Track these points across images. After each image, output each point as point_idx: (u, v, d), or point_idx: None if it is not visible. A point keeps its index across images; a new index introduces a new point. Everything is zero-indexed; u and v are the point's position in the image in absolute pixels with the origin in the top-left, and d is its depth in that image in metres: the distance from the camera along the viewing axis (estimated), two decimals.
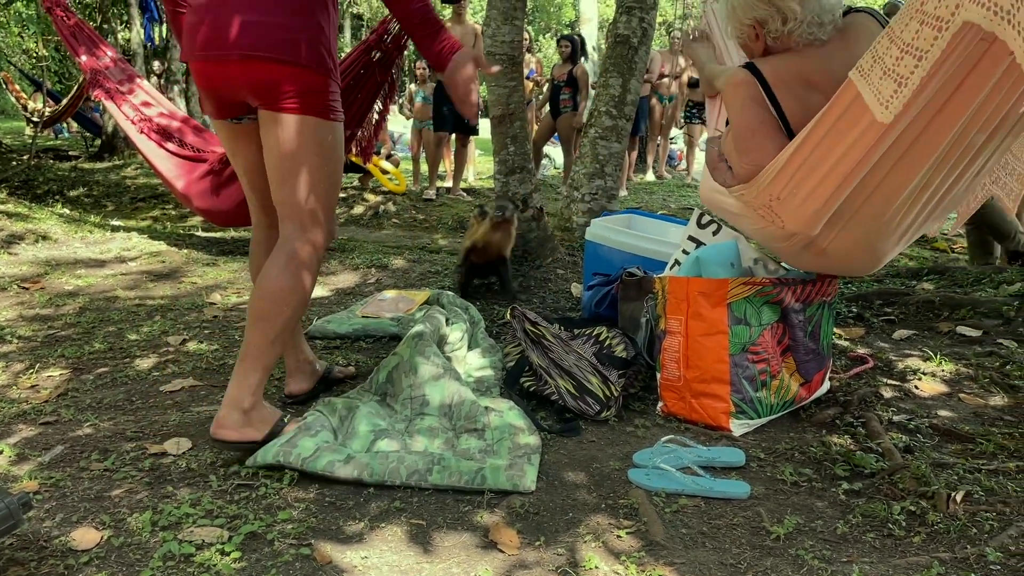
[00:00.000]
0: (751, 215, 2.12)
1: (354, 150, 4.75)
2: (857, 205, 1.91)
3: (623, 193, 7.55)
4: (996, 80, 1.58)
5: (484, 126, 8.19)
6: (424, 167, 8.53)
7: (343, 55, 3.92)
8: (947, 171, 1.85)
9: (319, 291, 3.89)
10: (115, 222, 6.02)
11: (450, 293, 3.41)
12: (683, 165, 11.01)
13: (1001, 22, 1.28)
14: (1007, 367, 2.62)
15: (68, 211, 6.41)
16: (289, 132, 1.94)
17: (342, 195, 7.62)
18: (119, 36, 12.21)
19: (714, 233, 2.61)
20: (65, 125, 14.40)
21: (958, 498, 1.76)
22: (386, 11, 2.76)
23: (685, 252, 2.62)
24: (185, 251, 4.79)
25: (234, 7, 1.88)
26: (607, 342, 2.46)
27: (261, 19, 1.88)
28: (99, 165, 9.68)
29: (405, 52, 3.83)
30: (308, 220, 2.01)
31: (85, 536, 1.63)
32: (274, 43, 1.88)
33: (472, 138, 8.07)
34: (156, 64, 11.54)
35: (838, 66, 1.93)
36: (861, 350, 2.84)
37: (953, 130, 1.70)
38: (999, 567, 1.54)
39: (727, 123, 2.23)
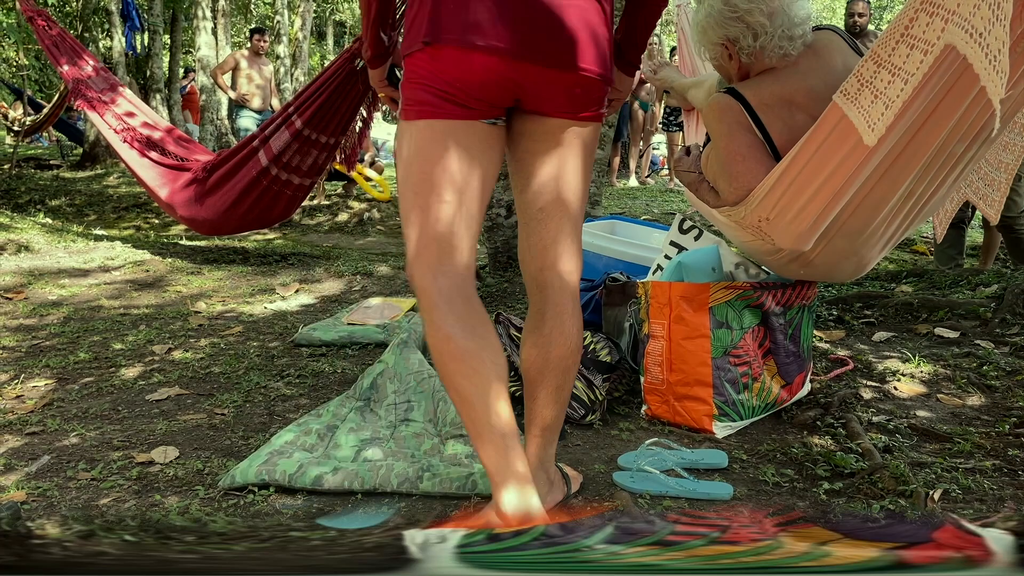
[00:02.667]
0: (739, 231, 2.14)
1: (338, 158, 4.78)
2: (844, 219, 1.93)
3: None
4: (974, 95, 1.62)
5: None
6: None
7: (326, 64, 3.94)
8: (929, 180, 1.89)
9: (305, 299, 3.90)
10: (98, 231, 6.00)
11: None
12: (665, 171, 11.09)
13: (974, 44, 1.31)
14: (984, 368, 2.66)
15: (50, 220, 6.38)
16: (588, 141, 1.64)
17: (326, 202, 7.63)
18: (100, 45, 12.16)
19: (696, 238, 2.65)
20: (45, 134, 14.32)
21: (936, 496, 1.79)
22: None
23: (667, 257, 2.66)
24: (169, 260, 4.78)
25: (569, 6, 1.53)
26: (591, 347, 2.49)
27: (594, 30, 1.55)
28: (81, 174, 9.63)
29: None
30: (579, 239, 1.71)
31: None
32: (605, 59, 1.58)
33: None
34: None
35: (818, 83, 1.95)
36: (841, 352, 2.88)
37: (935, 143, 1.74)
38: None
39: (704, 143, 2.25)
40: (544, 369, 1.70)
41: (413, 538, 0.98)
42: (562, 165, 1.63)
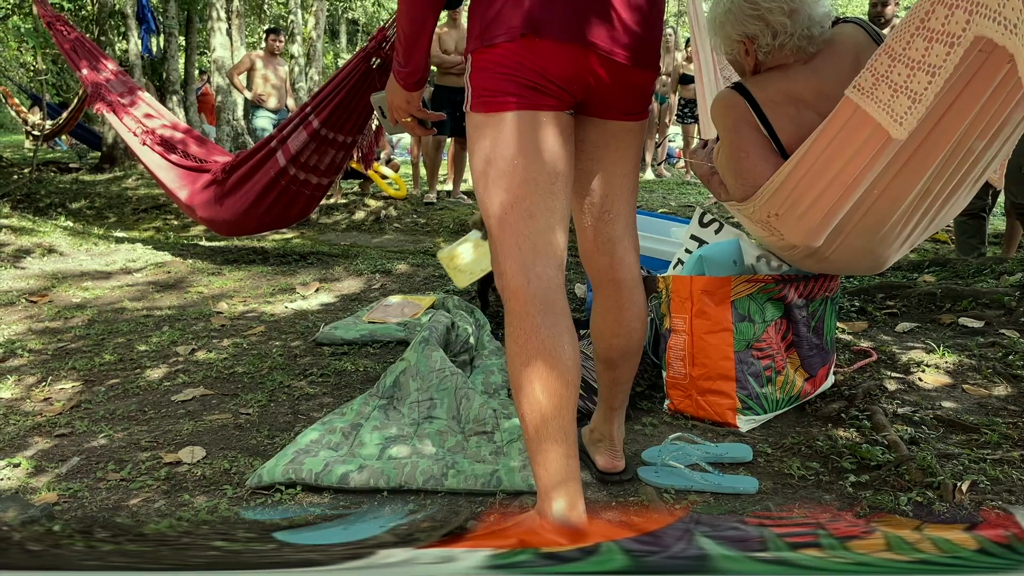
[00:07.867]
0: (753, 225, 2.14)
1: (355, 156, 4.80)
2: (858, 217, 1.92)
3: None
4: (993, 89, 1.60)
5: None
6: (424, 171, 8.56)
7: (341, 63, 3.96)
8: (947, 178, 1.86)
9: (325, 297, 3.92)
10: (119, 233, 6.05)
11: (455, 297, 3.44)
12: (682, 163, 11.04)
13: (1012, 36, 1.29)
14: (1009, 357, 2.64)
15: (71, 224, 6.44)
16: (641, 134, 1.67)
17: (343, 201, 7.65)
18: (116, 48, 12.25)
19: (716, 232, 2.64)
20: (64, 138, 14.46)
21: (964, 488, 1.78)
22: (384, 17, 2.75)
23: (688, 251, 2.65)
24: (190, 261, 4.81)
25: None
26: None
27: (656, 28, 1.57)
28: (100, 177, 9.72)
29: None
30: (636, 225, 1.77)
31: None
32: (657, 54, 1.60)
33: None
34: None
35: (828, 81, 1.93)
36: (864, 344, 2.86)
37: (952, 139, 1.72)
38: None
39: (716, 138, 2.24)
40: (627, 353, 1.80)
41: (388, 557, 0.96)
42: (623, 165, 1.66)
